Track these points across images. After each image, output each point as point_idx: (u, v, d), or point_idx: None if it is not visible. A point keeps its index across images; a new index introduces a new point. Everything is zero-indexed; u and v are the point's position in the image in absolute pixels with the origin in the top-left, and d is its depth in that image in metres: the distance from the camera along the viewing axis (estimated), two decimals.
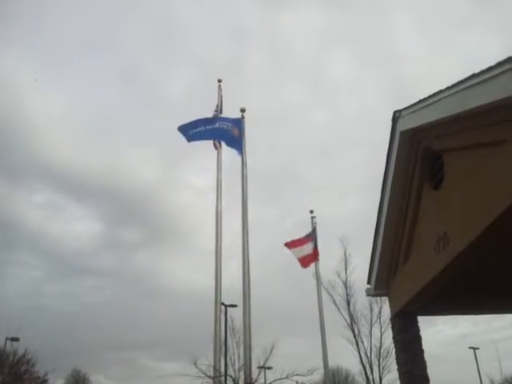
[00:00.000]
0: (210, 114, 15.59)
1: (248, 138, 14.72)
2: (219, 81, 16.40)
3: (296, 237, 18.12)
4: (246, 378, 9.18)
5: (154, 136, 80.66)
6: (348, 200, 67.92)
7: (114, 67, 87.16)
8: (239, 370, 14.30)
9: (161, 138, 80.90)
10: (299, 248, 16.72)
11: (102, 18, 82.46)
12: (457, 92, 6.13)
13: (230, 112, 15.76)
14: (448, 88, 6.37)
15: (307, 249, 16.76)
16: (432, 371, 9.06)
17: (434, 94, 6.80)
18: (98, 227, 79.16)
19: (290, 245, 16.83)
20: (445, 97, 6.48)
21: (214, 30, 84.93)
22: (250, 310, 9.39)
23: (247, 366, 8.95)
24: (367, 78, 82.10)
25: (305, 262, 16.61)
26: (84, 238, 73.20)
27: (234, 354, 18.04)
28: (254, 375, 11.72)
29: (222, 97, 16.16)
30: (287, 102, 77.92)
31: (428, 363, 9.09)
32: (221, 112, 15.87)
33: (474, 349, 35.41)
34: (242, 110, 15.64)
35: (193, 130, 14.52)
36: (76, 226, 75.93)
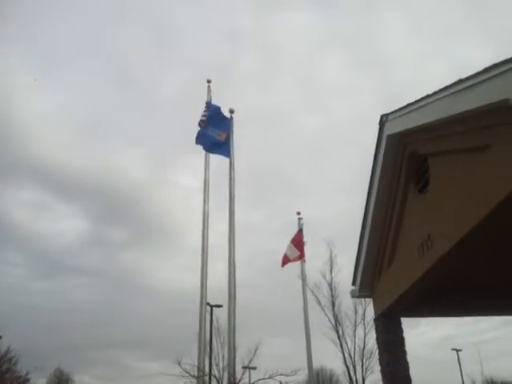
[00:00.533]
0: (200, 114, 15.60)
1: (238, 139, 14.72)
2: (208, 81, 16.34)
3: (285, 238, 18.37)
4: (229, 378, 9.18)
5: (143, 136, 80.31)
6: (337, 202, 68.13)
7: (108, 67, 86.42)
8: (223, 369, 14.31)
9: (151, 137, 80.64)
10: (289, 248, 16.87)
11: (96, 18, 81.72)
12: (443, 97, 6.22)
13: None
14: (435, 93, 6.45)
15: (290, 250, 16.92)
16: (415, 372, 9.17)
17: (421, 99, 6.88)
18: (86, 226, 78.42)
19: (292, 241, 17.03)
20: (431, 101, 6.56)
21: (208, 30, 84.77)
22: (235, 311, 9.40)
23: (231, 366, 8.95)
24: (359, 81, 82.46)
25: (285, 261, 16.73)
26: (71, 237, 72.55)
27: (218, 354, 18.12)
28: (239, 375, 11.73)
29: (211, 98, 16.15)
30: (278, 103, 77.99)
31: (411, 364, 9.19)
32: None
33: (457, 350, 35.82)
34: (231, 111, 15.63)
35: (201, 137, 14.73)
36: (63, 225, 75.23)
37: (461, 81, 5.75)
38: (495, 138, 5.55)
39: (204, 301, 11.62)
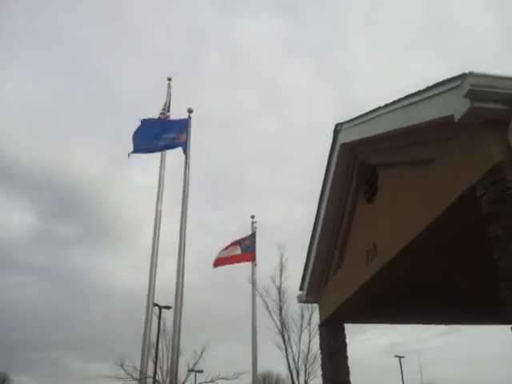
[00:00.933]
0: (158, 111, 15.36)
1: (197, 140, 14.61)
2: (169, 79, 16.17)
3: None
4: (171, 381, 9.02)
5: (100, 131, 78.29)
6: (293, 208, 68.95)
7: (63, 59, 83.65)
8: (167, 372, 14.07)
9: (107, 133, 78.73)
10: (228, 250, 16.80)
11: (52, 7, 78.94)
12: (394, 110, 6.40)
13: (179, 111, 15.55)
14: (386, 105, 6.63)
15: (230, 252, 16.85)
16: (359, 378, 9.38)
17: (374, 110, 7.05)
18: (33, 221, 75.53)
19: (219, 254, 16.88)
20: (383, 114, 6.74)
21: (172, 29, 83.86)
22: (182, 312, 9.26)
23: (174, 369, 8.79)
24: (319, 90, 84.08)
25: (219, 262, 16.67)
26: (17, 231, 69.62)
27: (163, 357, 17.78)
28: (183, 378, 11.59)
29: (170, 95, 15.95)
30: (239, 106, 78.31)
31: (356, 370, 9.40)
32: (168, 110, 15.67)
33: (400, 357, 36.87)
34: (190, 111, 15.46)
35: (141, 142, 14.07)
36: (9, 219, 72.03)
37: (410, 95, 5.94)
38: (438, 153, 5.76)
39: (151, 301, 11.42)
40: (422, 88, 5.67)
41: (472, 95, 4.59)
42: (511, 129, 4.65)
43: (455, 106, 4.89)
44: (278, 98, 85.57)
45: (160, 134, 14.42)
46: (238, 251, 16.87)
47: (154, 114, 15.23)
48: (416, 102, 5.83)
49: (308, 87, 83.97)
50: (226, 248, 16.96)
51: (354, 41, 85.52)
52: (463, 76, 4.71)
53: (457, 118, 4.86)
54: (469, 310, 9.57)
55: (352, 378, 9.41)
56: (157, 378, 14.38)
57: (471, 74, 4.61)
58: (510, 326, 4.36)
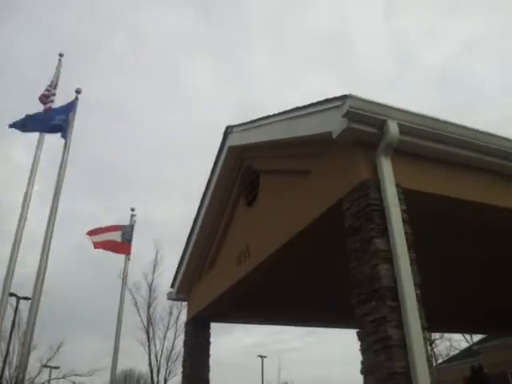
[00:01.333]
0: (44, 87, 14.27)
1: (86, 128, 13.76)
2: (60, 55, 15.02)
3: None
4: (18, 376, 8.29)
5: None
6: (180, 204, 67.96)
7: None
8: (16, 368, 12.93)
9: None
10: (100, 235, 15.94)
11: None
12: (280, 121, 6.64)
13: (68, 91, 14.58)
14: (274, 115, 6.87)
15: (110, 236, 16.02)
16: (222, 377, 9.54)
17: (262, 118, 7.27)
18: None
19: (91, 233, 15.84)
20: (270, 123, 6.97)
21: (72, 7, 77.77)
22: (39, 303, 8.56)
23: (23, 363, 8.08)
24: (222, 90, 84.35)
25: (100, 245, 15.82)
26: None
27: (14, 351, 16.37)
28: (36, 374, 10.74)
29: (60, 72, 14.87)
30: (137, 97, 75.38)
31: (220, 369, 9.56)
32: (55, 88, 14.64)
33: (262, 357, 38.51)
34: (78, 92, 14.49)
35: (27, 124, 12.94)
36: None
37: (297, 108, 6.22)
38: (315, 165, 6.12)
39: (7, 290, 10.41)
40: (308, 103, 5.98)
41: (349, 116, 4.93)
42: (379, 152, 5.08)
43: (334, 124, 5.20)
44: (181, 94, 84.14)
45: (54, 116, 13.51)
46: (119, 239, 16.02)
47: (42, 88, 14.12)
48: (301, 116, 6.10)
49: (211, 86, 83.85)
50: (106, 230, 15.97)
51: (260, 48, 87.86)
52: (344, 97, 5.05)
53: (334, 135, 5.17)
54: (329, 314, 10.29)
55: (215, 376, 9.58)
56: (5, 373, 13.12)
57: (351, 96, 4.96)
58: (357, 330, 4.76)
